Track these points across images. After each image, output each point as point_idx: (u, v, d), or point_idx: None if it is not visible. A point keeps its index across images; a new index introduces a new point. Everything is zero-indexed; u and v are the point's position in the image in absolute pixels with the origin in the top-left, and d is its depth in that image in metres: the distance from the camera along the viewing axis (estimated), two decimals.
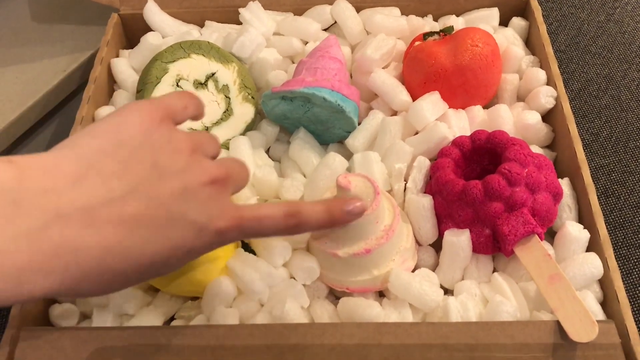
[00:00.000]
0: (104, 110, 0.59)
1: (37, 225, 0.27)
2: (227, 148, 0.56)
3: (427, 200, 0.49)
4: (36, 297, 0.28)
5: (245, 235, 0.36)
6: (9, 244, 0.26)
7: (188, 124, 0.56)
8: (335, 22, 0.65)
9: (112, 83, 0.64)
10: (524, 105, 0.58)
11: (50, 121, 0.69)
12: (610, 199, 0.60)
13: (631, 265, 0.55)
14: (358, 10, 0.65)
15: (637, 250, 0.56)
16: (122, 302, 0.47)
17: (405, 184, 0.52)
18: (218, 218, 0.33)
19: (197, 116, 0.39)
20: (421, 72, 0.56)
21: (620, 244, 0.57)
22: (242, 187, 0.38)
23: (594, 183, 0.49)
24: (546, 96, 0.56)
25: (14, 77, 0.66)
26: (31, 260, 0.27)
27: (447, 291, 0.48)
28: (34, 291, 0.28)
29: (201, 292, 0.47)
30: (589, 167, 0.50)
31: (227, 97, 0.58)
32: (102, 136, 0.32)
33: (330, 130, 0.56)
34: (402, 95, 0.57)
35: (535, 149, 0.54)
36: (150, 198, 0.31)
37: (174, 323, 0.48)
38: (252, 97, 0.59)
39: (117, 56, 0.65)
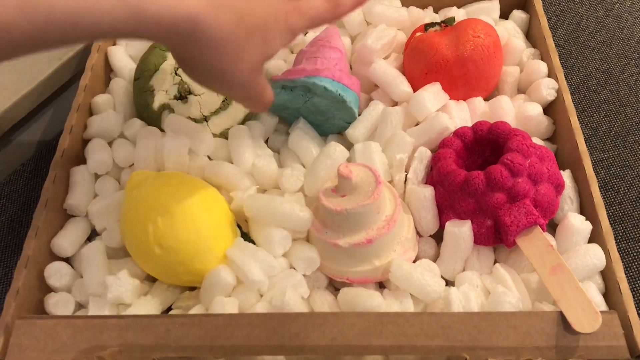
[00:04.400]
0: (100, 99, 0.58)
1: None
2: (226, 137, 0.55)
3: (428, 191, 0.49)
4: (192, 14, 0.35)
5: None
6: None
7: (187, 113, 0.55)
8: None
9: (109, 71, 0.63)
10: (524, 97, 0.57)
11: (45, 110, 0.68)
12: (609, 192, 0.60)
13: (631, 258, 0.55)
14: None
15: (636, 244, 0.56)
16: (119, 292, 0.46)
17: (406, 175, 0.51)
18: None
19: None
20: (422, 62, 0.56)
21: (619, 237, 0.57)
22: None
23: None
24: (547, 88, 0.56)
25: (9, 66, 0.65)
26: None
27: (448, 282, 0.48)
28: (190, 6, 0.35)
29: (199, 282, 0.47)
30: None
31: None
32: None
33: (330, 120, 0.56)
34: (403, 85, 0.56)
35: (536, 141, 0.53)
36: None
37: (171, 313, 0.47)
38: None
39: (115, 44, 0.64)
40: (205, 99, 0.56)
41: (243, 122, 0.57)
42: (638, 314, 0.52)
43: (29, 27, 0.31)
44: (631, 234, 0.57)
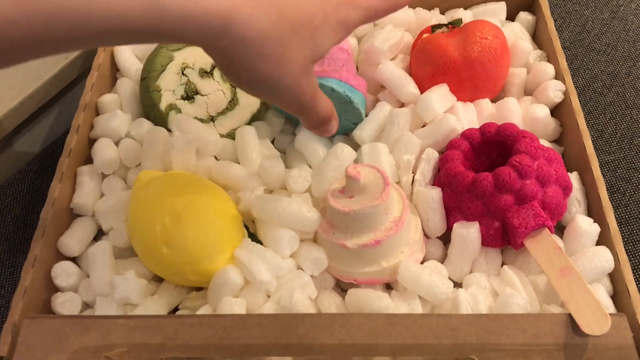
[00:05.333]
0: (107, 98, 0.58)
1: None
2: (233, 138, 0.55)
3: (436, 193, 0.49)
4: (223, 10, 0.31)
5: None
6: None
7: (194, 114, 0.55)
8: None
9: (115, 71, 0.63)
10: (531, 99, 0.57)
11: (51, 109, 0.68)
12: (615, 195, 0.60)
13: (638, 260, 0.55)
14: None
15: None
16: (126, 292, 0.46)
17: (414, 176, 0.51)
18: None
19: None
20: (430, 64, 0.56)
21: (626, 240, 0.57)
22: None
23: None
24: (555, 90, 0.56)
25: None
26: None
27: (456, 284, 0.48)
28: (220, 2, 0.31)
29: (207, 282, 0.46)
30: None
31: (233, 87, 0.57)
32: None
33: None
34: (410, 87, 0.56)
35: (544, 143, 0.53)
36: None
37: (178, 313, 0.47)
38: None
39: None
40: (212, 99, 0.56)
41: (250, 123, 0.57)
42: None
43: (30, 25, 0.28)
44: (638, 236, 0.57)
